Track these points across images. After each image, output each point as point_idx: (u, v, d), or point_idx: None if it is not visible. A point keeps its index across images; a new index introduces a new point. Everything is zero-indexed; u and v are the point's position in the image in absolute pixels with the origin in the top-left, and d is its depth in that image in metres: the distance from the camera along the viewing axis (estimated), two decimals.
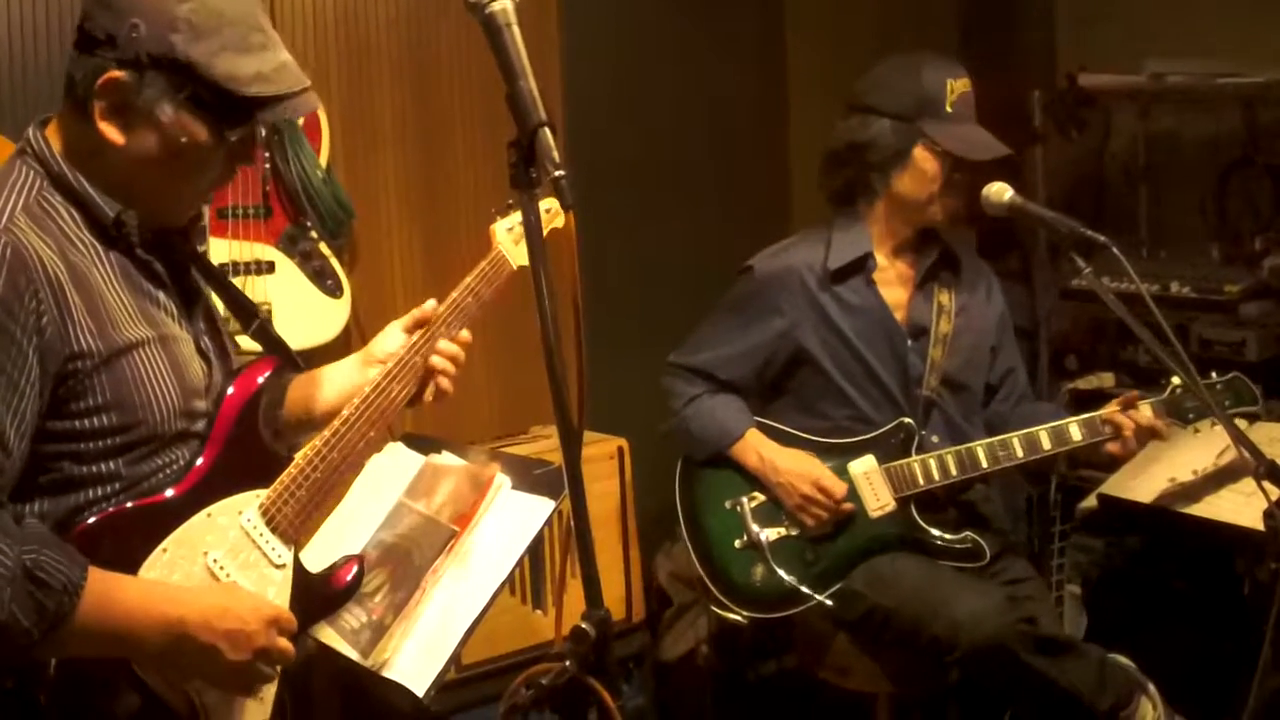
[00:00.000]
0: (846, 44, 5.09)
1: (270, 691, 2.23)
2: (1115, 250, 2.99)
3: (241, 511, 2.22)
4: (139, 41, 1.99)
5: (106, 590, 1.96)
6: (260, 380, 2.27)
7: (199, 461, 2.17)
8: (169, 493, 2.13)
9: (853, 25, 5.11)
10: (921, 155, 3.29)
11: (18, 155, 2.10)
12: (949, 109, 3.28)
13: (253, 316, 2.43)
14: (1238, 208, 4.45)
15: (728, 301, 3.52)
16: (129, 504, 2.08)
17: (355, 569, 2.41)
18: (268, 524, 2.23)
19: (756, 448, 3.39)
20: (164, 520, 2.10)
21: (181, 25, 1.99)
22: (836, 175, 3.44)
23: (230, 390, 2.24)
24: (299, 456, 2.29)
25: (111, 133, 2.03)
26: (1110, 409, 3.27)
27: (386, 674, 2.62)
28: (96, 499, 2.07)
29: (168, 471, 2.14)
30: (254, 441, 2.26)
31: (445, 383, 2.57)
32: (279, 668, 2.16)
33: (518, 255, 2.74)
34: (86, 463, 2.05)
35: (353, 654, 2.68)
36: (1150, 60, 4.43)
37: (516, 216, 2.73)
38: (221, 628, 2.02)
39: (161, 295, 2.17)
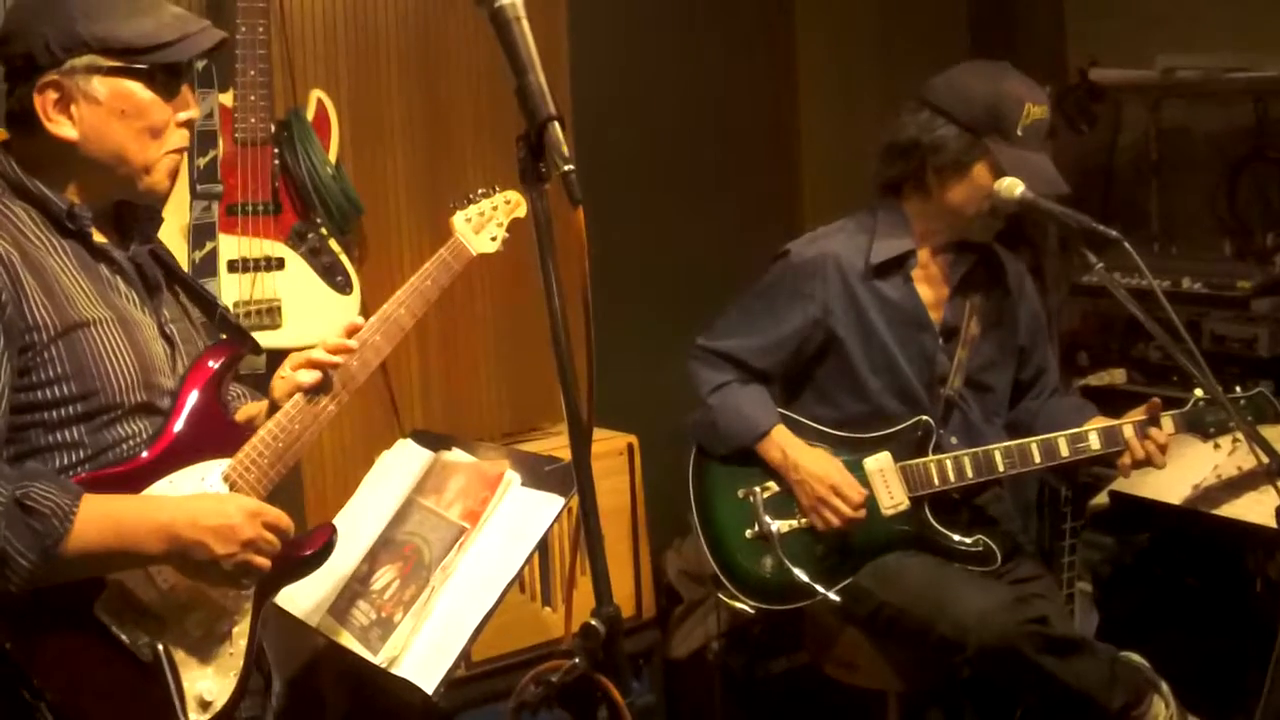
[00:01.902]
0: (856, 39, 5.08)
1: (240, 646, 2.37)
2: (1127, 245, 2.98)
3: (204, 478, 2.36)
4: (51, 43, 2.23)
5: (101, 510, 2.15)
6: (218, 364, 2.43)
7: (162, 433, 2.33)
8: (133, 464, 2.29)
9: (863, 19, 5.09)
10: (981, 172, 3.23)
11: None
12: (1020, 133, 3.20)
13: (213, 307, 2.58)
14: (1249, 202, 4.44)
15: (761, 286, 3.47)
16: (92, 473, 2.24)
17: (324, 540, 2.49)
18: (230, 489, 2.37)
19: (781, 444, 3.36)
20: (127, 487, 2.26)
21: (77, 12, 2.24)
22: (892, 166, 3.38)
23: (190, 371, 2.40)
24: (261, 429, 2.44)
25: (64, 130, 2.26)
26: (1132, 420, 3.26)
27: (395, 671, 2.63)
28: (63, 466, 2.24)
29: (133, 442, 2.30)
30: (215, 417, 2.41)
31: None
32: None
33: (476, 243, 2.90)
34: (51, 431, 2.23)
35: (362, 651, 2.69)
36: (1161, 54, 4.41)
37: (474, 208, 2.95)
38: (207, 524, 2.21)
39: (121, 283, 2.36)
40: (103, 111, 2.26)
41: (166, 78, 2.30)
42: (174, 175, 2.40)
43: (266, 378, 2.61)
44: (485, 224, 2.93)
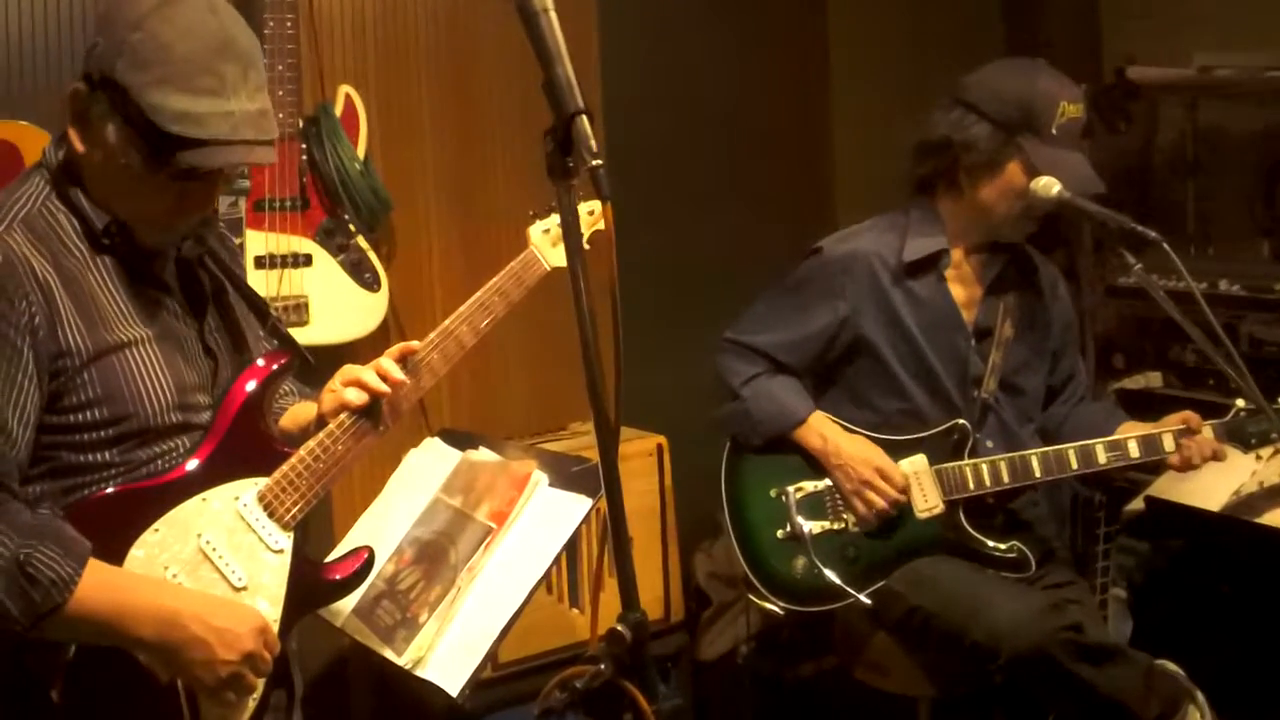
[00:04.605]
0: (889, 35, 5.05)
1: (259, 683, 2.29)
2: (1166, 246, 2.94)
3: (238, 497, 2.31)
4: (95, 59, 2.13)
5: (103, 582, 2.09)
6: (267, 375, 2.37)
7: (198, 449, 2.28)
8: (165, 478, 2.24)
9: (896, 15, 5.06)
10: (1013, 170, 3.20)
11: (35, 167, 2.24)
12: (1054, 131, 3.16)
13: (265, 316, 2.51)
14: None
15: (792, 281, 3.45)
16: (123, 486, 2.19)
17: (359, 564, 2.46)
18: (265, 510, 2.33)
19: (820, 430, 3.34)
20: (158, 503, 2.23)
21: (127, 50, 2.08)
22: (925, 164, 3.36)
23: (235, 383, 2.34)
24: (302, 448, 2.37)
25: (75, 140, 2.17)
26: (1170, 428, 3.22)
27: (420, 673, 2.61)
28: (93, 482, 2.19)
29: (166, 459, 2.25)
30: (255, 433, 2.35)
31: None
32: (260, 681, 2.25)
33: (553, 257, 2.78)
34: (82, 451, 2.17)
35: (387, 652, 2.67)
36: (1198, 53, 4.35)
37: (554, 219, 2.81)
38: (215, 624, 2.14)
39: (163, 296, 2.29)
40: (102, 154, 2.15)
41: (181, 174, 2.14)
42: (177, 234, 2.29)
43: (306, 375, 2.58)
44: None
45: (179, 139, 2.08)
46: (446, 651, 2.62)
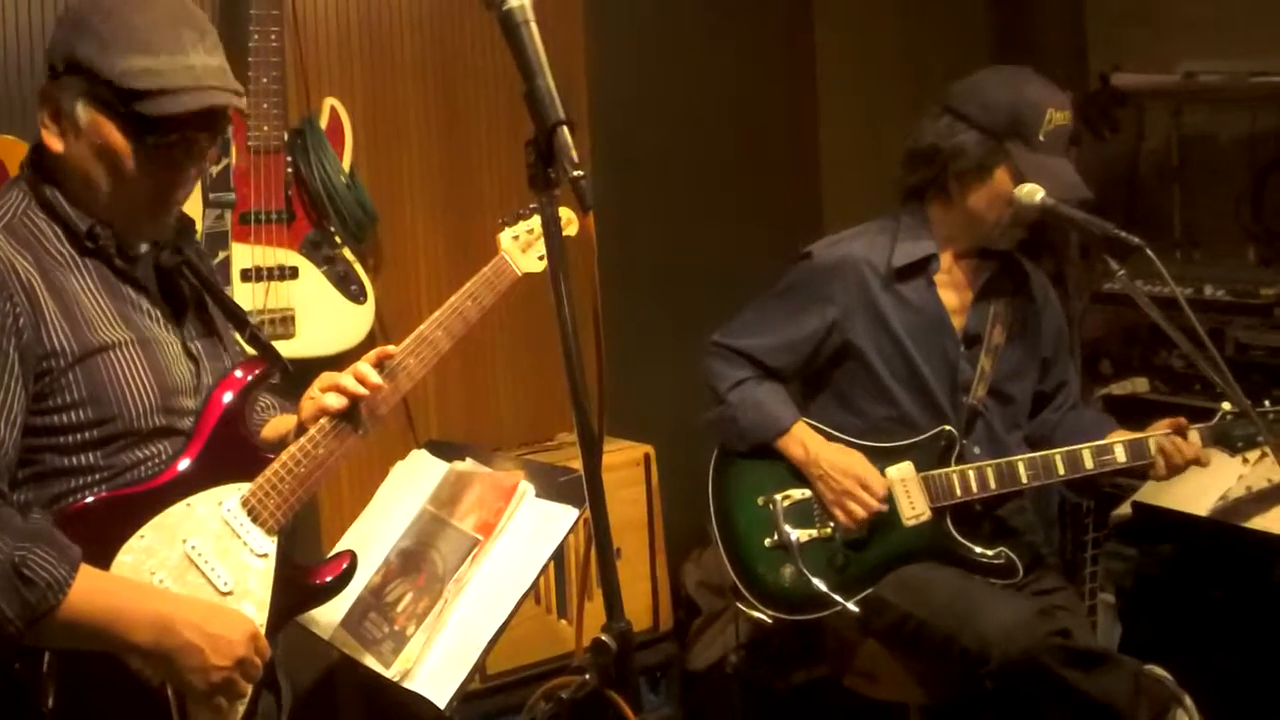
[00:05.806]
0: (876, 43, 5.06)
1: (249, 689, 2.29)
2: (1150, 252, 2.95)
3: (222, 502, 2.33)
4: (57, 50, 2.19)
5: (98, 587, 2.11)
6: (244, 384, 2.39)
7: (182, 455, 2.30)
8: (150, 484, 2.25)
9: (882, 22, 5.06)
10: (1001, 177, 3.20)
11: (14, 180, 2.28)
12: (1041, 138, 3.17)
13: (245, 323, 2.53)
14: (1274, 208, 4.39)
15: (781, 286, 3.45)
16: (109, 493, 2.21)
17: (342, 567, 2.47)
18: (249, 515, 2.34)
19: (803, 440, 3.34)
20: (143, 509, 2.24)
21: (88, 31, 2.15)
22: (914, 172, 3.36)
23: (216, 389, 2.37)
24: (284, 453, 2.39)
25: (52, 141, 2.20)
26: (1158, 433, 3.22)
27: (408, 685, 2.61)
28: (78, 487, 2.21)
29: (150, 464, 2.27)
30: (238, 438, 2.37)
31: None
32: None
33: (523, 262, 2.81)
34: (67, 454, 2.19)
35: (374, 664, 2.67)
36: (1184, 59, 4.36)
37: (523, 225, 2.84)
38: (208, 630, 2.14)
39: (145, 301, 2.31)
40: (82, 141, 2.18)
41: (155, 133, 2.17)
42: (164, 222, 2.32)
43: (287, 384, 2.58)
44: (534, 242, 2.84)
45: (145, 93, 2.13)
46: (434, 663, 2.62)
